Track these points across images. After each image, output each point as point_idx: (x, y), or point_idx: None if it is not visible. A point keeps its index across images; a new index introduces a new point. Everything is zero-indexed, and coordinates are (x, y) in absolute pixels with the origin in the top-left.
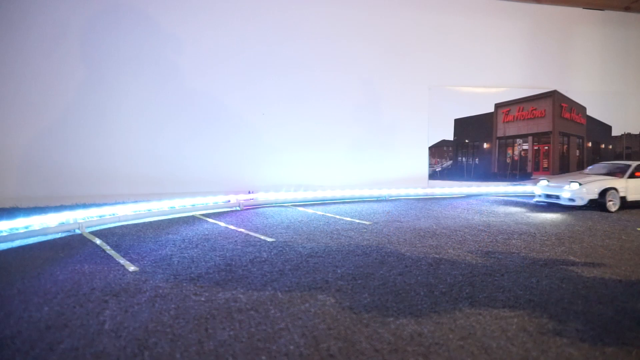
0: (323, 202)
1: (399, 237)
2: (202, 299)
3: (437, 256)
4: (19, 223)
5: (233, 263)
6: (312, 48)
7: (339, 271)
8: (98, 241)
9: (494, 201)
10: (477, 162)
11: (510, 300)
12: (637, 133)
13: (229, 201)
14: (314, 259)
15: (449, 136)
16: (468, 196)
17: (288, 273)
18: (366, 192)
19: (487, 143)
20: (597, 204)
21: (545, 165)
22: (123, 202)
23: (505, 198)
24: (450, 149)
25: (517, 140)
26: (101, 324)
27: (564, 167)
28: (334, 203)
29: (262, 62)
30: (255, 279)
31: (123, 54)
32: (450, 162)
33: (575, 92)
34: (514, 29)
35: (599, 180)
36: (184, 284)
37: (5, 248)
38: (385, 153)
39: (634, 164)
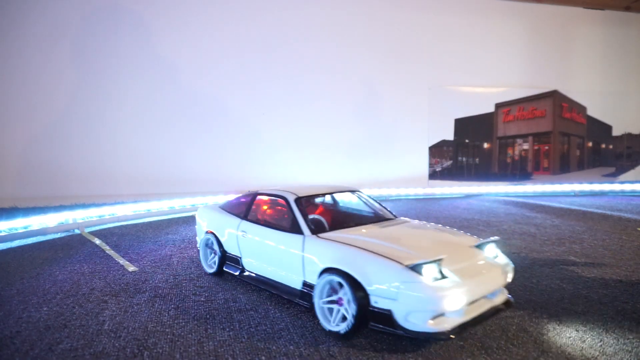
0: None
1: None
2: (202, 299)
3: None
4: (18, 223)
5: None
6: (312, 49)
7: None
8: (97, 241)
9: (494, 201)
10: (477, 162)
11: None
12: (638, 133)
13: None
14: None
15: (449, 136)
16: (468, 196)
17: None
18: (366, 192)
19: (487, 143)
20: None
21: (546, 165)
22: (122, 202)
23: (506, 198)
24: (450, 149)
25: (518, 140)
26: (100, 324)
27: (565, 167)
28: None
29: (263, 63)
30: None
31: (123, 55)
32: (450, 162)
33: (575, 92)
34: (514, 29)
35: None
36: (184, 284)
37: (4, 248)
38: (385, 153)
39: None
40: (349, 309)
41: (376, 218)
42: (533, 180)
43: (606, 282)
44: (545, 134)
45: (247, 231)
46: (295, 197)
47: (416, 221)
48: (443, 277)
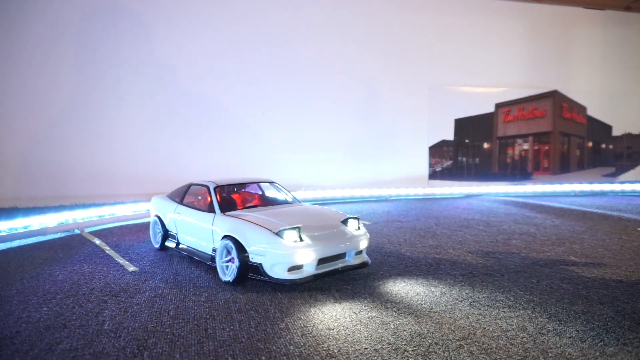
0: (323, 202)
1: (399, 237)
2: (202, 299)
3: (437, 256)
4: (18, 223)
5: None
6: (312, 49)
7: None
8: (97, 241)
9: (494, 201)
10: (477, 162)
11: (511, 301)
12: (638, 133)
13: None
14: None
15: (449, 136)
16: (468, 196)
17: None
18: (366, 192)
19: (487, 143)
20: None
21: (546, 165)
22: (122, 202)
23: (506, 198)
24: (450, 149)
25: (518, 140)
26: (100, 324)
27: (565, 167)
28: (334, 203)
29: (263, 63)
30: (255, 279)
31: (123, 55)
32: (450, 162)
33: (575, 92)
34: (514, 29)
35: None
36: (184, 284)
37: (4, 248)
38: (385, 153)
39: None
40: (236, 264)
41: (281, 202)
42: (533, 180)
43: (606, 282)
44: (545, 134)
45: (181, 213)
46: (215, 185)
47: (308, 204)
48: (301, 240)
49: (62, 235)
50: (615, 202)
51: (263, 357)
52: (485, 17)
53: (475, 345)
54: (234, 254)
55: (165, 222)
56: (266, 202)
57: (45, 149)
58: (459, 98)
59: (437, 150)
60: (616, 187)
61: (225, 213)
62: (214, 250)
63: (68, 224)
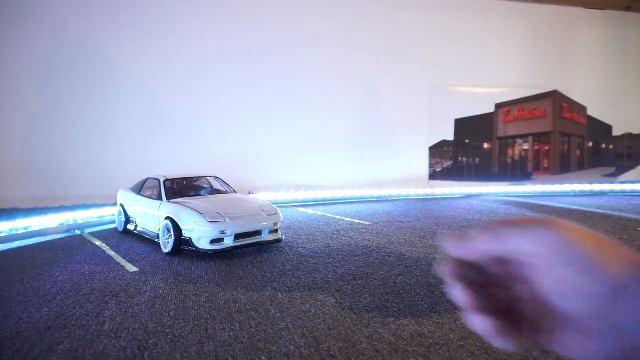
0: (323, 202)
1: (399, 237)
2: (202, 299)
3: (437, 256)
4: (19, 224)
5: (233, 263)
6: (312, 49)
7: (338, 271)
8: (98, 242)
9: (494, 201)
10: (477, 162)
11: None
12: (638, 133)
13: None
14: (314, 259)
15: (449, 136)
16: (468, 196)
17: (288, 273)
18: (366, 192)
19: (487, 143)
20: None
21: (546, 165)
22: None
23: (506, 198)
24: (450, 149)
25: (518, 140)
26: (101, 325)
27: (565, 166)
28: (334, 203)
29: (263, 63)
30: (255, 279)
31: (123, 55)
32: (450, 162)
33: (575, 92)
34: (514, 28)
35: None
36: (184, 284)
37: (4, 249)
38: (385, 153)
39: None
40: (172, 239)
41: (219, 192)
42: (533, 180)
43: None
44: (545, 134)
45: (138, 201)
46: (164, 178)
47: (239, 194)
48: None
49: (63, 235)
50: (615, 202)
51: (263, 357)
52: (485, 17)
53: (476, 345)
54: (172, 231)
55: (127, 210)
56: (206, 191)
57: (46, 150)
58: (459, 98)
59: (437, 150)
60: (616, 187)
61: (170, 200)
62: (160, 229)
63: (68, 225)
